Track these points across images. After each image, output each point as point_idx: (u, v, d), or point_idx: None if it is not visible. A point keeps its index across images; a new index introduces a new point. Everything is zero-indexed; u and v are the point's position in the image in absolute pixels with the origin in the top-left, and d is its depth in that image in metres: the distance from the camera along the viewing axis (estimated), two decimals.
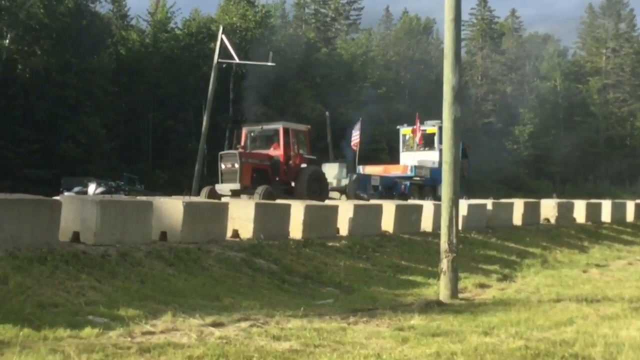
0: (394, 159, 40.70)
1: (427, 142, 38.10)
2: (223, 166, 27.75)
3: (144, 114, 55.99)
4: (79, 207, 14.55)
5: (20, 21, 46.69)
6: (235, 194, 26.54)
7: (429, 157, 37.12)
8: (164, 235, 16.08)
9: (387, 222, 22.59)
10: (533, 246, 25.92)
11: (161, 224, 16.10)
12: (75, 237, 14.17)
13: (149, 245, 15.06)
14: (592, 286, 17.72)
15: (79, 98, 48.63)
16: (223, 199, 23.34)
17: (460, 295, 15.22)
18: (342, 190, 31.50)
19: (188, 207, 16.41)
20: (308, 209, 19.60)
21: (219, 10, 64.23)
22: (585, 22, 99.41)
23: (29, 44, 47.85)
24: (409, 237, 22.62)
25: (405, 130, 38.98)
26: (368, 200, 27.68)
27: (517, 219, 29.11)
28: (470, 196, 30.59)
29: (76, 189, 31.93)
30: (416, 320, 11.65)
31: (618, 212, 35.49)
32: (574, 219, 32.45)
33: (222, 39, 40.93)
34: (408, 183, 34.56)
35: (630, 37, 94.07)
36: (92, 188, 31.29)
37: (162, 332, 9.74)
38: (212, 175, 36.79)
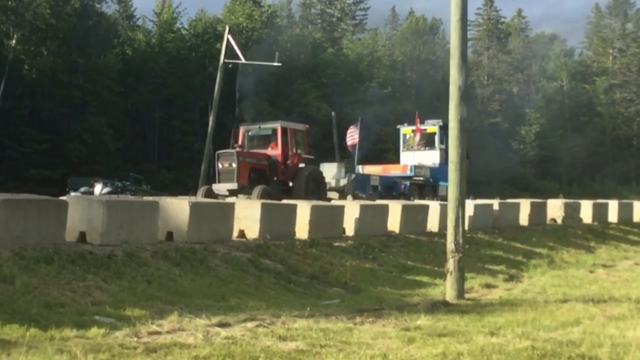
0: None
1: (428, 141, 37.92)
2: (220, 166, 27.56)
3: (150, 114, 56.03)
4: (86, 207, 14.56)
5: (26, 22, 46.76)
6: (232, 193, 26.34)
7: (430, 156, 36.96)
8: (170, 236, 16.09)
9: (393, 222, 22.58)
10: (539, 246, 25.87)
11: (167, 224, 16.11)
12: (82, 237, 14.19)
13: (155, 245, 15.06)
14: (599, 286, 17.69)
15: (85, 98, 48.69)
16: (228, 199, 23.34)
17: (467, 296, 15.20)
18: (340, 191, 31.27)
19: (194, 207, 16.41)
20: (314, 209, 19.59)
21: (225, 11, 64.27)
22: (592, 22, 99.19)
23: (35, 44, 47.89)
24: (415, 237, 22.60)
25: (405, 130, 38.78)
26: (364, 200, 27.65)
27: (524, 219, 29.08)
28: (476, 196, 30.49)
29: (82, 189, 31.94)
30: (422, 320, 11.63)
31: (625, 212, 35.44)
32: (581, 219, 32.40)
33: (228, 39, 40.93)
34: (408, 183, 34.33)
35: (637, 37, 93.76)
36: (98, 188, 31.29)
37: (168, 332, 9.74)
38: None
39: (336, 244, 19.41)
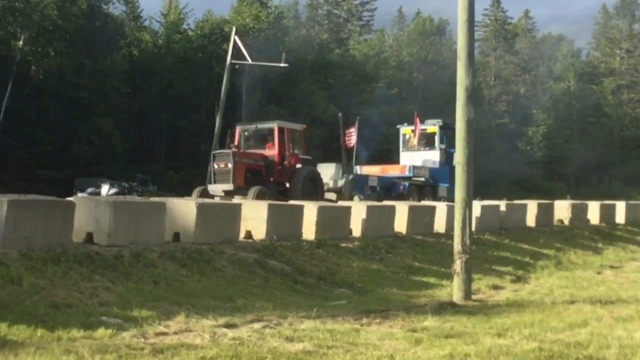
0: None
1: (428, 141, 37.70)
2: (216, 166, 27.32)
3: (157, 114, 56.12)
4: (93, 208, 14.57)
5: (33, 23, 46.87)
6: (228, 194, 26.00)
7: (430, 157, 36.72)
8: (177, 236, 16.10)
9: (400, 223, 22.55)
10: (547, 247, 25.82)
11: (174, 225, 16.12)
12: (89, 238, 14.21)
13: (162, 246, 15.07)
14: (606, 288, 17.64)
15: (92, 99, 48.80)
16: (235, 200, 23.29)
17: (474, 297, 15.17)
18: (337, 191, 30.95)
19: (201, 208, 16.41)
20: (321, 210, 19.59)
21: (231, 11, 64.37)
22: (599, 22, 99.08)
23: (42, 45, 48.01)
24: (422, 238, 22.57)
25: (405, 130, 38.52)
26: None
27: (531, 220, 29.03)
28: (483, 197, 30.45)
29: (89, 190, 32.04)
30: (429, 321, 11.61)
31: (632, 213, 35.37)
32: (588, 220, 32.35)
33: (234, 40, 40.96)
34: (407, 184, 34.05)
35: None
36: (105, 189, 31.36)
37: (175, 333, 9.74)
38: None
39: (343, 244, 19.38)
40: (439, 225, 23.93)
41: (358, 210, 21.34)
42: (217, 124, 40.94)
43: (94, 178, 37.37)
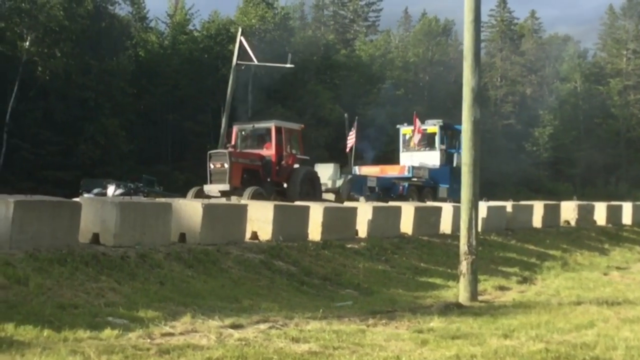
0: None
1: (428, 142, 37.28)
2: (212, 166, 26.91)
3: (163, 115, 56.18)
4: (99, 209, 14.60)
5: (40, 23, 46.96)
6: (224, 195, 25.63)
7: (430, 157, 36.36)
8: (183, 237, 16.11)
9: (406, 224, 22.54)
10: (553, 248, 25.80)
11: (180, 226, 16.13)
12: (95, 238, 14.23)
13: (168, 246, 15.09)
14: (613, 289, 17.62)
15: (98, 100, 48.84)
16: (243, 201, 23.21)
17: (480, 298, 15.15)
18: (336, 192, 30.56)
19: (207, 208, 16.42)
20: (327, 211, 19.59)
21: (237, 12, 64.41)
22: (605, 23, 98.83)
23: (48, 46, 48.10)
24: (428, 239, 22.57)
25: (405, 130, 38.00)
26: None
27: (537, 221, 29.00)
28: (489, 198, 30.34)
29: (95, 190, 32.06)
30: (435, 322, 11.60)
31: (639, 214, 35.27)
32: (595, 221, 32.30)
33: (240, 41, 40.97)
34: (406, 184, 33.58)
35: None
36: (111, 190, 31.38)
37: (181, 333, 9.74)
38: None
39: (349, 245, 19.39)
40: (445, 226, 23.92)
41: (364, 211, 21.33)
42: (222, 124, 40.89)
43: (100, 179, 37.40)
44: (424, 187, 34.71)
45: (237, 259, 15.66)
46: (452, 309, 13.31)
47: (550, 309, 13.67)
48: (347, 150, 38.31)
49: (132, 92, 52.65)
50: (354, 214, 20.89)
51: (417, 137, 36.52)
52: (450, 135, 37.17)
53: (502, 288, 17.48)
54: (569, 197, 40.91)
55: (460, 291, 14.92)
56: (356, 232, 20.81)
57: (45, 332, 8.95)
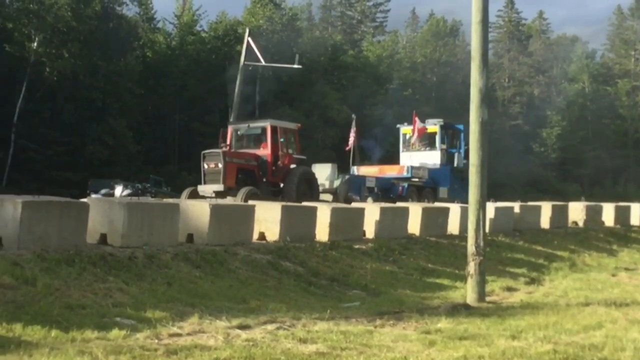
0: None
1: (429, 141, 36.68)
2: (206, 166, 26.58)
3: (170, 116, 56.30)
4: (106, 209, 14.62)
5: (48, 24, 47.10)
6: (218, 195, 25.14)
7: (430, 157, 35.75)
8: (190, 238, 16.12)
9: (414, 225, 22.51)
10: (561, 249, 25.73)
11: (188, 226, 16.14)
12: (103, 239, 14.25)
13: (176, 247, 15.09)
14: (621, 290, 17.57)
15: (106, 100, 48.98)
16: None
17: (488, 299, 15.12)
18: (333, 192, 30.09)
19: (214, 209, 16.43)
20: (334, 212, 19.58)
21: (245, 13, 64.56)
22: (613, 24, 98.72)
23: (56, 47, 48.25)
24: (436, 240, 22.53)
25: (405, 130, 37.27)
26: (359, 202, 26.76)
27: (545, 222, 28.92)
28: (497, 199, 30.18)
29: (103, 191, 32.14)
30: (443, 323, 11.58)
31: None
32: (603, 222, 32.19)
33: (248, 42, 41.00)
34: (406, 185, 32.86)
35: None
36: (118, 190, 31.45)
37: (188, 334, 9.75)
38: None
39: (356, 246, 19.37)
40: (453, 227, 23.88)
41: (371, 212, 21.31)
42: None
43: (108, 179, 37.50)
44: (424, 187, 34.14)
45: (244, 260, 15.65)
46: (459, 309, 13.29)
47: (558, 310, 13.63)
48: (346, 149, 37.95)
49: (139, 92, 52.76)
50: (361, 215, 20.87)
51: (416, 136, 35.96)
52: (451, 135, 36.78)
53: (509, 289, 17.44)
54: (576, 198, 40.81)
55: (467, 292, 14.89)
56: (364, 233, 20.78)
57: (53, 333, 8.96)
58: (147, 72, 54.89)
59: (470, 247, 14.93)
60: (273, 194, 26.19)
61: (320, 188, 29.05)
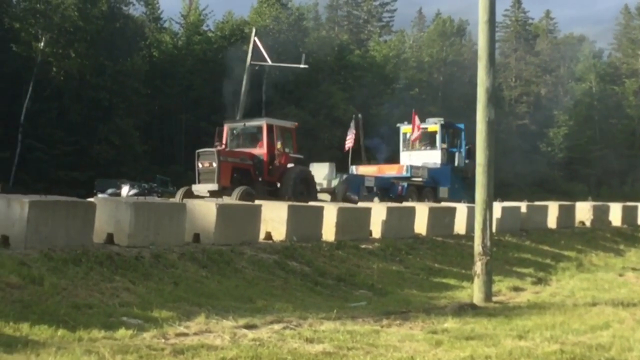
0: None
1: (429, 141, 36.46)
2: (200, 165, 26.30)
3: (177, 115, 56.34)
4: (113, 209, 14.63)
5: (54, 24, 47.20)
6: (213, 195, 24.73)
7: (431, 156, 35.51)
8: (197, 237, 16.12)
9: (420, 225, 22.48)
10: (568, 249, 25.67)
11: (194, 226, 16.14)
12: (109, 238, 14.26)
13: (182, 247, 15.10)
14: (629, 290, 17.53)
15: (112, 100, 49.05)
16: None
17: (494, 299, 15.10)
18: (331, 192, 29.57)
19: (221, 209, 16.43)
20: (341, 211, 19.57)
21: (252, 12, 64.58)
22: (620, 23, 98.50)
23: (63, 46, 48.34)
24: (442, 240, 22.51)
25: (405, 129, 36.89)
26: (357, 202, 26.47)
27: (552, 222, 28.87)
28: (504, 199, 30.08)
29: (109, 190, 32.17)
30: (450, 323, 11.57)
31: None
32: (610, 222, 32.12)
33: (254, 41, 41.00)
34: (405, 184, 32.65)
35: None
36: (125, 190, 31.46)
37: (195, 333, 9.75)
38: None
39: (363, 246, 19.36)
40: (459, 227, 23.85)
41: (378, 212, 21.29)
42: None
43: (114, 179, 37.54)
44: (424, 187, 33.84)
45: (251, 259, 15.66)
46: (466, 309, 13.27)
47: (565, 310, 13.60)
48: (345, 150, 37.49)
49: (146, 92, 52.82)
50: (368, 215, 20.85)
51: (415, 135, 35.59)
52: (452, 134, 36.59)
53: (516, 289, 17.41)
54: (584, 198, 40.71)
55: (474, 292, 14.87)
56: (370, 233, 20.77)
57: (60, 332, 8.97)
58: (154, 72, 54.93)
59: (477, 247, 14.91)
60: (269, 194, 25.86)
61: (318, 188, 28.82)
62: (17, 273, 11.10)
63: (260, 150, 27.46)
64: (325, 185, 30.04)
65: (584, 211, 31.18)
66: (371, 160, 38.66)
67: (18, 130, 45.17)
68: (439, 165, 34.95)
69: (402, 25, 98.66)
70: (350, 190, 30.38)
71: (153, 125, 55.19)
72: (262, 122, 28.25)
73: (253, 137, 28.52)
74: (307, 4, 74.39)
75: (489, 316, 12.61)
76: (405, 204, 25.71)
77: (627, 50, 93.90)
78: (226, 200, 21.05)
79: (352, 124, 37.97)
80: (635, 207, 34.67)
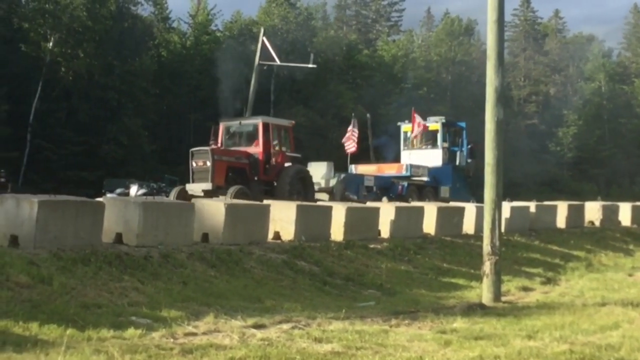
0: None
1: (430, 140, 36.14)
2: (194, 164, 25.97)
3: (185, 115, 56.35)
4: (122, 209, 14.65)
5: (63, 24, 47.28)
6: (208, 194, 24.36)
7: (432, 155, 35.17)
8: (205, 237, 16.12)
9: (429, 225, 22.46)
10: (577, 249, 25.62)
11: (203, 226, 16.15)
12: (118, 238, 14.27)
13: (191, 246, 15.12)
14: (638, 290, 17.46)
15: (121, 100, 49.10)
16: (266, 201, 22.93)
17: (503, 299, 15.07)
18: (329, 192, 29.35)
19: (230, 208, 16.44)
20: (349, 211, 19.57)
21: (260, 12, 64.59)
22: (630, 22, 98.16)
23: (72, 47, 48.41)
24: (451, 240, 22.49)
25: (406, 127, 36.53)
26: (356, 202, 26.17)
27: (561, 222, 28.81)
28: (512, 198, 30.01)
29: (118, 190, 32.19)
30: (459, 323, 11.55)
31: None
32: (619, 222, 32.05)
33: (263, 41, 40.99)
34: (406, 184, 32.35)
35: None
36: (133, 190, 31.47)
37: (204, 333, 9.76)
38: None
39: (371, 246, 19.35)
40: (468, 227, 23.82)
41: (386, 212, 21.29)
42: None
43: (123, 179, 37.58)
44: (424, 186, 33.51)
45: (259, 259, 15.66)
46: (475, 309, 13.26)
47: (575, 310, 13.57)
48: (347, 150, 36.85)
49: (154, 92, 52.85)
50: (376, 214, 20.85)
51: (416, 132, 35.25)
52: (453, 133, 36.30)
53: (525, 289, 17.38)
54: (593, 198, 40.58)
55: (483, 292, 14.85)
56: (379, 232, 20.76)
57: (69, 332, 8.98)
58: (162, 72, 54.96)
59: (486, 247, 14.89)
60: (265, 193, 25.56)
61: (316, 187, 28.58)
62: (26, 273, 11.13)
63: (256, 149, 27.17)
64: (322, 184, 29.83)
65: (593, 211, 31.12)
66: (380, 160, 38.48)
67: (27, 130, 45.26)
68: (440, 165, 34.68)
69: (410, 24, 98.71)
70: (349, 190, 30.15)
71: (161, 125, 55.20)
72: (258, 121, 27.97)
73: (249, 136, 28.24)
74: (315, 4, 74.44)
75: (498, 316, 12.59)
76: (413, 203, 25.69)
77: (637, 49, 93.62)
78: (235, 200, 21.05)
79: (353, 123, 37.30)
80: None
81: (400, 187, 32.24)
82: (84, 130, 46.71)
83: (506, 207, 23.90)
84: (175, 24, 64.61)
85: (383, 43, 76.99)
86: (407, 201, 28.38)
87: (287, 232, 18.04)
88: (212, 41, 60.09)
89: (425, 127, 35.35)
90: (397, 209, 21.63)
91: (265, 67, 42.65)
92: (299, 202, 19.85)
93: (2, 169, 38.07)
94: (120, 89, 49.01)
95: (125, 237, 14.29)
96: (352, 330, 10.38)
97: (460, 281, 17.84)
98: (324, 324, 10.91)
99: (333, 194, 29.04)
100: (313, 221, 18.65)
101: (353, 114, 39.05)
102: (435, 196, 32.86)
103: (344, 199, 27.63)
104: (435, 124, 35.86)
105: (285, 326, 10.55)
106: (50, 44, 47.11)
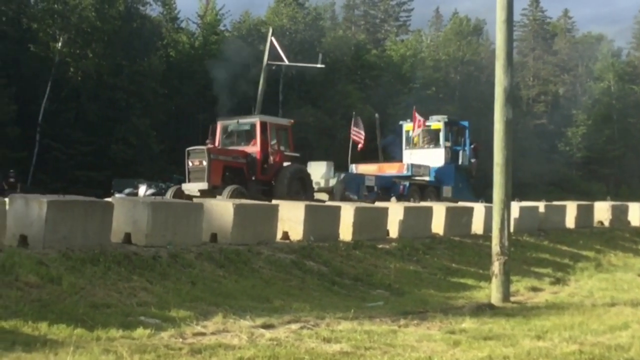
0: None
1: (432, 139, 35.76)
2: (190, 164, 25.95)
3: (194, 115, 56.32)
4: (131, 209, 14.67)
5: (72, 25, 47.35)
6: (204, 194, 24.32)
7: (434, 155, 34.81)
8: (214, 237, 16.14)
9: (438, 225, 22.43)
10: (586, 249, 25.56)
11: (211, 226, 16.16)
12: (127, 238, 14.30)
13: (200, 246, 15.13)
14: None
15: (129, 100, 49.11)
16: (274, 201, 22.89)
17: (512, 299, 15.06)
18: (329, 191, 29.16)
19: (238, 208, 16.44)
20: (358, 211, 19.56)
21: (268, 12, 64.56)
22: (639, 22, 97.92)
23: (80, 47, 48.47)
24: (460, 240, 22.46)
25: (408, 126, 36.13)
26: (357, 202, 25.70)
27: (570, 222, 28.75)
28: (521, 198, 29.94)
29: (127, 190, 32.21)
30: (468, 323, 11.54)
31: None
32: (629, 222, 31.96)
33: (271, 41, 40.98)
34: (407, 183, 32.04)
35: None
36: (142, 190, 31.48)
37: (213, 333, 9.77)
38: None
39: (380, 246, 19.34)
40: (477, 227, 23.79)
41: (395, 212, 21.27)
42: None
43: (131, 179, 37.58)
44: (426, 186, 33.22)
45: (268, 259, 15.67)
46: (484, 309, 13.24)
47: (584, 310, 13.55)
48: (359, 148, 36.36)
49: (163, 92, 52.83)
50: (385, 214, 20.83)
51: (417, 132, 34.96)
52: (456, 132, 35.99)
53: (534, 289, 17.36)
54: (602, 198, 40.51)
55: (492, 292, 14.84)
56: (387, 233, 20.75)
57: (78, 331, 9.01)
58: (171, 72, 54.97)
59: (495, 247, 14.87)
60: (263, 193, 25.45)
61: (316, 187, 28.47)
62: (35, 272, 11.15)
63: (254, 148, 27.07)
64: (322, 184, 29.65)
65: (602, 211, 31.03)
66: (388, 159, 38.35)
67: (36, 130, 45.34)
68: (442, 164, 34.42)
69: (419, 24, 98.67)
70: (349, 189, 29.91)
71: (170, 125, 55.19)
72: (256, 120, 27.90)
73: (247, 135, 28.11)
74: (324, 4, 74.41)
75: (507, 316, 12.57)
76: (422, 203, 25.65)
77: None
78: (243, 199, 21.07)
79: (353, 122, 36.93)
80: None
81: (401, 186, 31.98)
82: (93, 130, 46.77)
83: (515, 207, 23.88)
84: (183, 24, 64.62)
85: (391, 43, 76.90)
86: (408, 201, 28.15)
87: (296, 232, 18.04)
88: (221, 41, 60.09)
89: (422, 123, 34.83)
90: (406, 209, 21.61)
91: (273, 67, 42.60)
92: (307, 202, 19.86)
93: (11, 169, 38.21)
94: (129, 89, 49.04)
95: (134, 237, 14.31)
96: (361, 330, 10.38)
97: (469, 281, 17.82)
98: (333, 324, 10.91)
99: (333, 194, 28.86)
100: (322, 221, 18.64)
101: (354, 112, 38.76)
102: (437, 196, 32.58)
103: (343, 199, 27.42)
104: (437, 123, 35.54)
105: (294, 326, 10.55)
106: (59, 44, 47.18)
